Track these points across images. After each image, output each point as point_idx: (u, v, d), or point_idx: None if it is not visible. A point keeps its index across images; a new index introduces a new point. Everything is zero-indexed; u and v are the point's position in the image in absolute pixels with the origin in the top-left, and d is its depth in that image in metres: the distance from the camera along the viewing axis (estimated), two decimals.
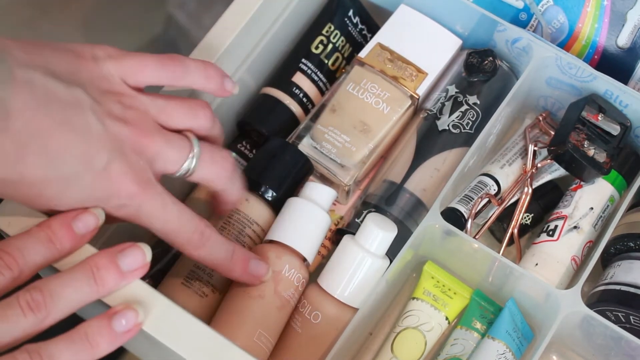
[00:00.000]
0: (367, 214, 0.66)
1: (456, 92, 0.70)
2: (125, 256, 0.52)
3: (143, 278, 0.54)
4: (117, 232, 0.64)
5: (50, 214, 0.54)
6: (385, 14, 0.73)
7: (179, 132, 0.56)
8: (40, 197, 0.51)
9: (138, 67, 0.55)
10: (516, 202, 0.69)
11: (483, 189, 0.69)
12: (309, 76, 0.72)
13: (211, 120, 0.58)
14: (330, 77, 0.73)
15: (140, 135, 0.53)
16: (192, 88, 0.59)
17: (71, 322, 0.78)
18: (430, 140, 0.69)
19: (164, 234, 0.55)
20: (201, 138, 0.57)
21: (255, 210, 0.65)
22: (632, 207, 0.67)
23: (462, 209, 0.68)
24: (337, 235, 0.69)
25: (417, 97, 0.69)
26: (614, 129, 0.67)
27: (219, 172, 0.57)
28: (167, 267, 0.67)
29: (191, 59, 0.58)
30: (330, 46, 0.73)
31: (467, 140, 0.68)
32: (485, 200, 0.69)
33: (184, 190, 0.70)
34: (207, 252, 0.57)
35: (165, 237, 0.56)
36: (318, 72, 0.72)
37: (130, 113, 0.53)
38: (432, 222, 0.64)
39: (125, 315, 0.51)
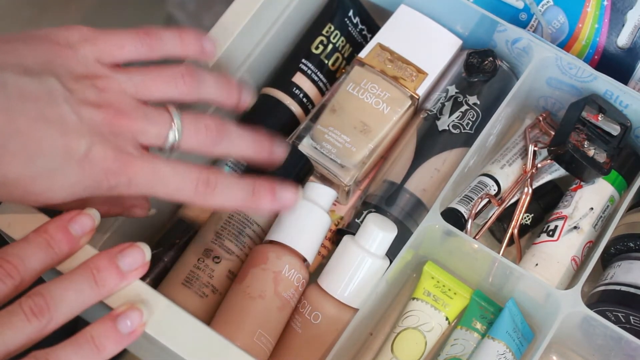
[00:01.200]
0: (367, 214, 0.66)
1: (456, 93, 0.70)
2: (124, 256, 0.53)
3: (143, 278, 0.54)
4: (117, 232, 0.64)
5: (50, 213, 0.54)
6: (385, 14, 0.73)
7: (162, 104, 0.56)
8: (29, 194, 0.51)
9: (114, 47, 0.55)
10: (516, 203, 0.69)
11: (483, 189, 0.69)
12: (309, 76, 0.72)
13: (194, 85, 0.56)
14: (331, 77, 0.73)
15: (117, 117, 0.53)
16: (171, 57, 0.58)
17: (71, 325, 0.77)
18: (430, 140, 0.69)
19: (169, 195, 0.54)
20: (191, 104, 0.57)
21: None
22: (632, 208, 0.67)
23: (462, 209, 0.68)
24: (337, 235, 0.69)
25: (417, 98, 0.69)
26: (614, 129, 0.67)
27: (204, 140, 0.56)
28: (167, 268, 0.67)
29: (167, 29, 0.57)
30: (330, 46, 0.73)
31: (467, 140, 0.68)
32: (485, 200, 0.69)
33: None
34: (223, 198, 0.55)
35: (172, 199, 0.55)
36: (318, 73, 0.72)
37: (105, 96, 0.53)
38: (432, 223, 0.64)
39: (129, 316, 0.51)
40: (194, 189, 0.54)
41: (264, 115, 0.71)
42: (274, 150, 0.59)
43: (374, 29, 0.75)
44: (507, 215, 0.69)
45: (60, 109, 0.51)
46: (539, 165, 0.69)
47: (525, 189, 0.69)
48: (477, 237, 0.68)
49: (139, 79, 0.55)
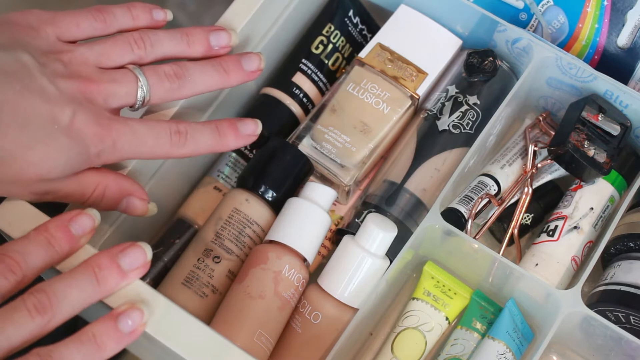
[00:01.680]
0: (367, 214, 0.66)
1: (456, 92, 0.70)
2: (125, 256, 0.53)
3: (143, 278, 0.55)
4: (116, 232, 0.64)
5: (50, 214, 0.54)
6: (386, 14, 0.73)
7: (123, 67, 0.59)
8: (27, 166, 0.53)
9: (71, 24, 0.58)
10: (516, 202, 0.69)
11: (483, 189, 0.69)
12: (309, 76, 0.72)
13: (149, 45, 0.60)
14: (331, 77, 0.73)
15: (88, 85, 0.56)
16: (125, 30, 0.61)
17: (71, 324, 0.77)
18: (430, 140, 0.69)
19: (150, 153, 0.58)
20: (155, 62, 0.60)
21: (255, 210, 0.65)
22: (632, 207, 0.67)
23: (462, 209, 0.68)
24: (337, 235, 0.69)
25: (417, 97, 0.69)
26: (614, 129, 0.67)
27: (169, 86, 0.59)
28: (167, 267, 0.67)
29: (118, 5, 0.60)
30: (330, 46, 0.73)
31: (467, 140, 0.68)
32: (486, 200, 0.69)
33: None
34: (195, 143, 0.59)
35: (153, 156, 0.58)
36: (318, 72, 0.72)
37: (72, 67, 0.56)
38: (432, 222, 0.64)
39: (130, 315, 0.52)
40: (169, 140, 0.58)
41: (264, 115, 0.71)
42: (241, 65, 0.63)
43: (374, 28, 0.75)
44: (507, 215, 0.69)
45: (40, 81, 0.54)
46: (539, 165, 0.69)
47: (525, 189, 0.69)
48: (477, 237, 0.68)
49: (98, 48, 0.58)
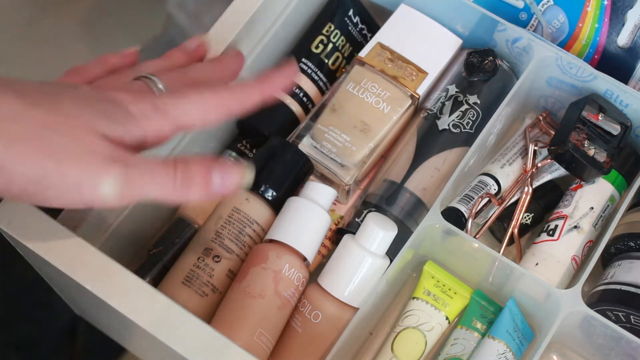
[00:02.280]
0: (367, 213, 0.66)
1: (456, 92, 0.70)
2: (220, 174, 0.51)
3: (143, 278, 0.54)
4: (116, 231, 0.64)
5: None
6: (386, 14, 0.73)
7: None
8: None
9: None
10: (516, 202, 0.69)
11: (483, 189, 0.69)
12: (309, 76, 0.72)
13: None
14: (331, 76, 0.73)
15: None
16: None
17: (71, 325, 0.77)
18: (430, 139, 0.69)
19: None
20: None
21: (256, 209, 0.65)
22: (632, 207, 0.67)
23: (463, 208, 0.68)
24: (337, 234, 0.69)
25: (418, 97, 0.69)
26: (615, 129, 0.67)
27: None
28: (167, 267, 0.67)
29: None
30: (330, 46, 0.73)
31: (467, 139, 0.68)
32: (486, 199, 0.69)
33: None
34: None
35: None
36: (318, 72, 0.72)
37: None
38: (433, 222, 0.64)
39: (226, 175, 0.51)
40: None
41: (263, 115, 0.71)
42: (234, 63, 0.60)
43: (374, 28, 0.75)
44: (507, 214, 0.69)
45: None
46: (539, 164, 0.69)
47: (526, 189, 0.69)
48: (477, 237, 0.68)
49: None
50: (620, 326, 0.61)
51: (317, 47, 0.73)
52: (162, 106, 0.52)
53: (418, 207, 0.67)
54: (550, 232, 0.67)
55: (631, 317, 0.63)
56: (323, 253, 0.69)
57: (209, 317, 0.63)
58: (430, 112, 0.70)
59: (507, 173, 0.70)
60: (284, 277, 0.62)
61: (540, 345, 0.60)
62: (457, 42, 0.72)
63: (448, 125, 0.69)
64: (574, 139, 0.66)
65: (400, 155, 0.69)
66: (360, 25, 0.75)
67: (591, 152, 0.66)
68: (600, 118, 0.67)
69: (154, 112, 0.52)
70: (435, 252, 0.68)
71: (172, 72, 0.57)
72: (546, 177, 0.70)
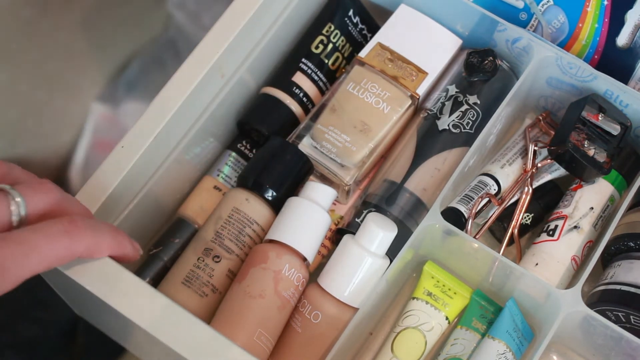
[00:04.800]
0: (367, 213, 0.66)
1: (456, 92, 0.70)
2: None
3: (143, 277, 0.54)
4: None
5: None
6: (386, 14, 0.73)
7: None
8: None
9: None
10: (516, 202, 0.69)
11: (483, 189, 0.69)
12: (309, 76, 0.72)
13: None
14: (331, 76, 0.73)
15: None
16: None
17: (71, 325, 0.77)
18: (430, 140, 0.69)
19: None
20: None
21: (255, 209, 0.65)
22: (632, 207, 0.67)
23: (463, 208, 0.68)
24: (337, 234, 0.69)
25: (418, 97, 0.69)
26: (614, 129, 0.67)
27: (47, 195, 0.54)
28: (167, 267, 0.67)
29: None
30: (330, 46, 0.73)
31: (467, 140, 0.68)
32: (486, 200, 0.69)
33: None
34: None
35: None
36: (318, 72, 0.72)
37: None
38: (433, 222, 0.64)
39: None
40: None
41: (263, 115, 0.71)
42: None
43: (374, 28, 0.75)
44: (507, 214, 0.69)
45: None
46: (539, 164, 0.69)
47: (526, 189, 0.69)
48: (477, 237, 0.68)
49: None
50: (620, 326, 0.61)
51: (317, 47, 0.73)
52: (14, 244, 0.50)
53: (418, 207, 0.67)
54: (550, 232, 0.67)
55: (631, 317, 0.63)
56: (323, 253, 0.69)
57: (209, 317, 0.63)
58: (430, 112, 0.70)
59: (507, 173, 0.70)
60: (283, 277, 0.62)
61: (540, 345, 0.60)
62: (457, 42, 0.72)
63: (448, 125, 0.69)
64: (574, 139, 0.66)
65: (400, 156, 0.69)
66: (360, 25, 0.75)
67: (591, 152, 0.66)
68: (600, 118, 0.67)
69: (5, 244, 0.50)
70: (435, 252, 0.68)
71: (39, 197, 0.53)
72: (546, 177, 0.70)
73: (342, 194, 0.68)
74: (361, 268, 0.63)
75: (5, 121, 0.84)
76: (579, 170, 0.67)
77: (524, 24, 0.73)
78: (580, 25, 0.72)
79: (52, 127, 0.85)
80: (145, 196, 0.65)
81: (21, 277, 0.49)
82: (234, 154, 0.71)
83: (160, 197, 0.68)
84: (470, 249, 0.65)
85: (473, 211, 0.68)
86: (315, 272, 0.68)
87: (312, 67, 0.72)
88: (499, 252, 0.67)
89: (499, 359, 0.64)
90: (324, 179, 0.68)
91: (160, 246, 0.68)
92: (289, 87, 0.71)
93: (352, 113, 0.68)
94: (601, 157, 0.66)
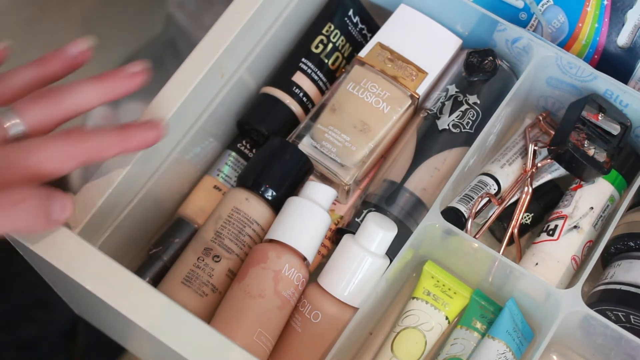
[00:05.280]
0: (367, 213, 0.66)
1: (456, 92, 0.70)
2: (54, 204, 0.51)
3: (143, 277, 0.54)
4: (115, 231, 0.64)
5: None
6: (385, 14, 0.73)
7: None
8: None
9: None
10: (516, 202, 0.69)
11: (483, 189, 0.69)
12: (309, 76, 0.72)
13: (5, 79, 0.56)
14: (331, 76, 0.73)
15: None
16: None
17: (71, 326, 0.77)
18: (430, 139, 0.69)
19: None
20: None
21: (255, 209, 0.65)
22: (632, 207, 0.67)
23: (462, 208, 0.68)
24: (337, 234, 0.69)
25: (417, 97, 0.69)
26: (614, 129, 0.67)
27: (45, 104, 0.55)
28: (166, 267, 0.67)
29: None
30: (330, 46, 0.73)
31: (467, 139, 0.68)
32: (486, 199, 0.69)
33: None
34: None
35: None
36: (318, 72, 0.72)
37: None
38: (432, 222, 0.64)
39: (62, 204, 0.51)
40: None
41: (263, 115, 0.71)
42: (128, 72, 0.57)
43: (374, 28, 0.75)
44: (507, 214, 0.69)
45: None
46: (539, 164, 0.69)
47: (525, 189, 0.69)
48: (477, 237, 0.68)
49: None
50: (620, 326, 0.61)
51: (317, 47, 0.73)
52: (14, 158, 0.51)
53: (418, 207, 0.67)
54: (550, 232, 0.67)
55: (631, 317, 0.63)
56: (323, 253, 0.69)
57: (209, 317, 0.63)
58: (430, 112, 0.70)
59: (507, 173, 0.70)
60: (283, 277, 0.62)
61: (540, 345, 0.60)
62: (457, 42, 0.72)
63: (448, 125, 0.69)
64: (573, 139, 0.66)
65: (400, 155, 0.69)
66: (360, 25, 0.75)
67: (591, 152, 0.66)
68: (600, 118, 0.67)
69: (4, 161, 0.51)
70: (435, 252, 0.68)
71: (38, 108, 0.54)
72: (546, 177, 0.70)
73: (342, 193, 0.68)
74: (361, 268, 0.63)
75: None
76: (579, 170, 0.67)
77: (523, 24, 0.73)
78: (580, 25, 0.72)
79: None
80: (145, 196, 0.65)
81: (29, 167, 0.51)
82: (233, 153, 0.71)
83: (160, 196, 0.68)
84: (470, 248, 0.65)
85: (473, 211, 0.68)
86: (315, 272, 0.68)
87: (312, 66, 0.72)
88: (498, 252, 0.66)
89: (498, 359, 0.64)
90: (324, 179, 0.68)
91: (160, 246, 0.68)
92: (288, 86, 0.71)
93: (352, 113, 0.68)
94: (601, 157, 0.66)
